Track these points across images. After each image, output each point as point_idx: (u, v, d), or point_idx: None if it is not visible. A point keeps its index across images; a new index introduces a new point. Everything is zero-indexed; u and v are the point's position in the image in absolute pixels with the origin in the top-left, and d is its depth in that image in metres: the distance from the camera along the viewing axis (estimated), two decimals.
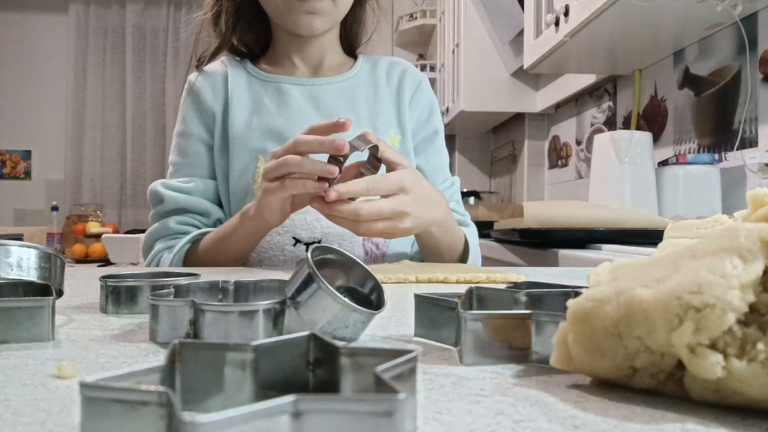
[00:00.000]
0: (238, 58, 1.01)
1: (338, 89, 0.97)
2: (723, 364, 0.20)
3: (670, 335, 0.21)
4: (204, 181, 0.93)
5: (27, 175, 4.50)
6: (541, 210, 1.34)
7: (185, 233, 0.89)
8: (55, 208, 3.56)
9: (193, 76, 0.99)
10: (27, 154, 4.49)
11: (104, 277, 0.41)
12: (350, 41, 1.04)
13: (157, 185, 0.92)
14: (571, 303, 0.24)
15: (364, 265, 0.35)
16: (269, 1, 0.91)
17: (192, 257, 0.86)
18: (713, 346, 0.20)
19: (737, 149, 1.44)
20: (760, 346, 0.20)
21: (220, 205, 0.94)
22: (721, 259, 0.21)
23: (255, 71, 0.98)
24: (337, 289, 0.33)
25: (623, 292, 0.22)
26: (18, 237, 2.91)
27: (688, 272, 0.21)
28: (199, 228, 0.90)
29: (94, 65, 4.47)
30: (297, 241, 0.88)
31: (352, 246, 0.89)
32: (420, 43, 3.86)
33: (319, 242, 0.88)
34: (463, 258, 0.89)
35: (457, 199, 1.02)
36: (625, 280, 0.23)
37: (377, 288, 0.34)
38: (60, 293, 0.38)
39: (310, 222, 0.88)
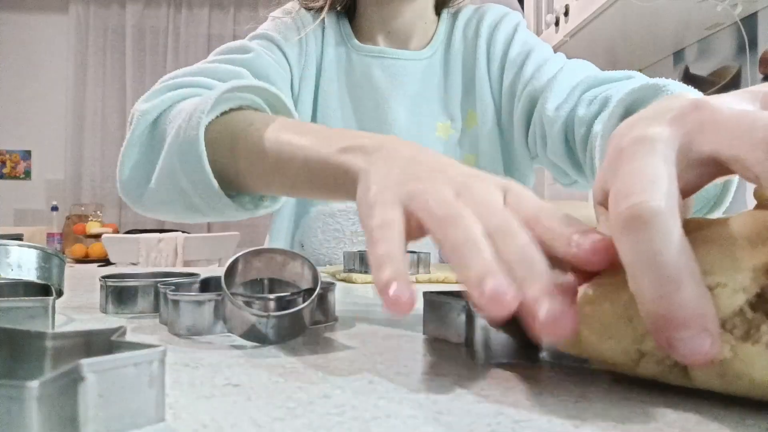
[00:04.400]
0: (338, 9, 0.85)
1: (418, 69, 0.84)
2: (732, 344, 0.20)
3: None
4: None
5: (27, 175, 4.50)
6: None
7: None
8: (55, 208, 3.56)
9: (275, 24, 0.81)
10: (27, 154, 4.49)
11: (104, 277, 0.41)
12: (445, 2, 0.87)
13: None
14: (583, 285, 0.24)
15: (302, 255, 0.35)
16: None
17: (215, 137, 0.50)
18: (722, 326, 0.20)
19: None
20: (765, 328, 0.20)
21: None
22: (733, 242, 0.21)
23: (350, 40, 0.85)
24: (270, 282, 0.35)
25: None
26: (18, 237, 2.92)
27: (699, 254, 0.21)
28: None
29: (94, 65, 4.47)
30: None
31: None
32: None
33: None
34: None
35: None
36: None
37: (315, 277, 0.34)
38: (60, 293, 0.38)
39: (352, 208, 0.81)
